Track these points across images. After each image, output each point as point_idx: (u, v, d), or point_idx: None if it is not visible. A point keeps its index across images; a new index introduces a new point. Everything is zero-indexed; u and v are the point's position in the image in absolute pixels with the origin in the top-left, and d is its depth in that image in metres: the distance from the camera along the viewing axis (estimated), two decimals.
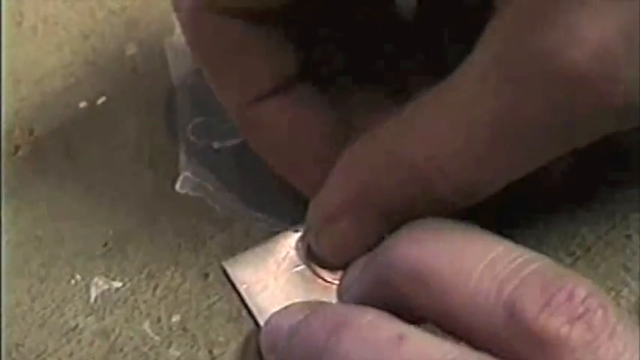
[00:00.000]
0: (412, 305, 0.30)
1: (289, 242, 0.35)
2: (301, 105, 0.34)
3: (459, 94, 0.29)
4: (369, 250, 0.33)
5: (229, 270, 0.35)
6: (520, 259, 0.28)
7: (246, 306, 0.34)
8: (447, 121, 0.30)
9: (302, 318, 0.30)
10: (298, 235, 0.36)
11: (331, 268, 0.35)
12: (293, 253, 0.35)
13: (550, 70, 0.27)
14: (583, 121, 0.28)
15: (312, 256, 0.35)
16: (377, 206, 0.32)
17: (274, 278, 0.35)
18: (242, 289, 0.35)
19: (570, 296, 0.27)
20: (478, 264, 0.28)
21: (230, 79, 0.34)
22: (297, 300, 0.34)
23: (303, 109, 0.34)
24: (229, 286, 0.35)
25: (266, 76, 0.33)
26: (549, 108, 0.28)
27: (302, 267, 0.35)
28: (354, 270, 0.33)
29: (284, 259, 0.35)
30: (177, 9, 0.34)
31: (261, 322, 0.34)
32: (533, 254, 0.29)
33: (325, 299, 0.34)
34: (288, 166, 0.35)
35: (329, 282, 0.35)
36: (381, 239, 0.33)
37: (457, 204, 0.31)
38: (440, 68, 0.33)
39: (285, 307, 0.32)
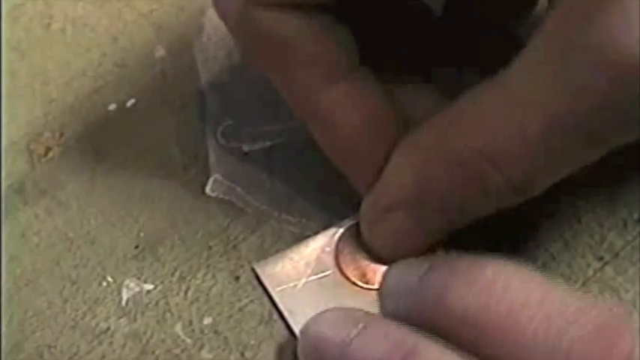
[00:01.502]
0: (468, 348, 0.30)
1: (320, 245, 0.36)
2: (366, 89, 0.34)
3: (512, 85, 0.29)
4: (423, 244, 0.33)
5: (260, 272, 0.35)
6: (574, 308, 0.28)
7: (277, 308, 0.34)
8: (499, 112, 0.29)
9: (355, 333, 0.30)
10: (329, 238, 0.36)
11: (362, 273, 0.35)
12: (324, 256, 0.35)
13: (605, 57, 0.27)
14: (635, 107, 0.27)
15: (342, 260, 0.35)
16: (433, 200, 0.32)
17: (305, 281, 0.35)
18: (273, 291, 0.35)
19: (630, 355, 0.27)
20: (535, 315, 0.28)
21: (297, 71, 0.33)
22: (327, 303, 0.34)
23: (368, 94, 0.34)
24: (260, 289, 0.35)
25: (334, 61, 0.33)
26: (603, 94, 0.27)
27: (333, 270, 0.35)
28: (400, 275, 0.33)
29: (315, 262, 0.35)
30: (223, 13, 0.33)
31: (293, 325, 0.34)
32: (588, 300, 0.29)
33: (356, 304, 0.34)
34: (353, 156, 0.34)
35: (359, 286, 0.35)
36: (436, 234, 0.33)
37: (512, 198, 0.31)
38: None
39: (322, 314, 0.32)
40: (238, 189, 0.37)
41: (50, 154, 0.39)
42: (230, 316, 0.35)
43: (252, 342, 0.34)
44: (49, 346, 0.34)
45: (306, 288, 0.35)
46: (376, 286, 0.35)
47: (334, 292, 0.35)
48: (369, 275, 0.35)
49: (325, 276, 0.35)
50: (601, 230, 0.36)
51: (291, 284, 0.35)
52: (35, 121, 0.40)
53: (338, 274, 0.35)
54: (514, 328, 0.29)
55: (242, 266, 0.36)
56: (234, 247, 0.36)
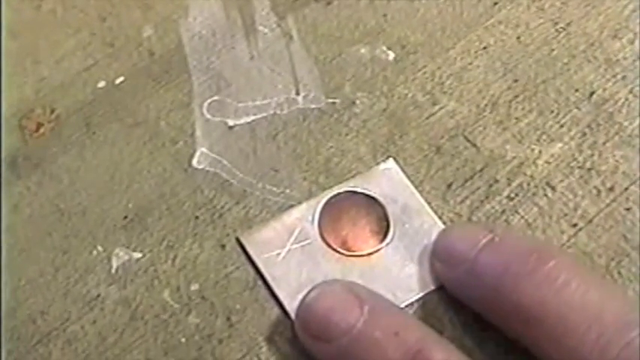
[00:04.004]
0: (513, 332, 0.32)
1: (303, 215, 0.37)
2: None
3: None
4: None
5: (245, 242, 0.36)
6: (627, 318, 0.29)
7: (261, 276, 0.36)
8: None
9: (362, 323, 0.31)
10: (311, 207, 0.37)
11: (343, 241, 0.36)
12: (306, 225, 0.36)
13: None
14: None
15: (324, 229, 0.36)
16: None
17: (288, 249, 0.36)
18: (257, 259, 0.36)
19: None
20: (588, 317, 0.29)
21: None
22: (309, 270, 0.35)
23: None
24: (245, 256, 0.36)
25: None
26: None
27: (315, 239, 0.36)
28: (455, 242, 0.34)
29: (298, 231, 0.36)
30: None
31: (277, 291, 0.35)
32: None
33: (337, 270, 0.36)
34: None
35: (341, 253, 0.36)
36: None
37: None
38: None
39: (321, 291, 0.33)
40: (224, 161, 0.38)
41: (41, 130, 0.39)
42: (216, 283, 0.36)
43: (238, 307, 0.35)
44: (42, 313, 0.35)
45: (289, 256, 0.36)
46: (357, 253, 0.36)
47: (316, 260, 0.36)
48: (350, 243, 0.36)
49: (308, 244, 0.36)
50: (575, 198, 0.37)
51: (275, 252, 0.36)
52: (27, 99, 0.40)
53: (320, 242, 0.36)
54: (565, 326, 0.29)
55: (228, 235, 0.37)
56: (220, 216, 0.37)
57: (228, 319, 0.35)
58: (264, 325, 0.35)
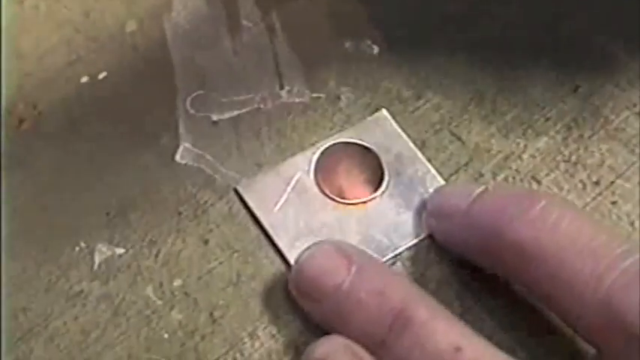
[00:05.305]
0: (510, 273, 0.32)
1: (299, 165, 0.37)
2: None
3: None
4: None
5: (243, 192, 0.37)
6: (620, 251, 0.30)
7: (260, 225, 0.36)
8: None
9: (348, 283, 0.32)
10: (307, 158, 0.38)
11: (339, 189, 0.37)
12: (303, 175, 0.37)
13: None
14: None
15: (320, 178, 0.37)
16: None
17: (286, 198, 0.37)
18: (255, 208, 0.36)
19: None
20: (582, 252, 0.30)
21: None
22: (307, 218, 0.36)
23: None
24: (229, 252, 0.36)
25: None
26: None
27: (311, 188, 0.37)
28: (448, 197, 0.35)
29: (294, 180, 0.37)
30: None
31: (276, 239, 0.36)
32: (634, 243, 0.30)
33: (333, 218, 0.36)
34: None
35: (337, 202, 0.37)
36: None
37: None
38: None
39: (312, 252, 0.34)
40: (207, 156, 0.38)
41: (24, 126, 0.39)
42: (199, 278, 0.35)
43: (221, 302, 0.35)
44: (24, 309, 0.35)
45: (287, 204, 0.36)
46: (353, 201, 0.37)
47: (314, 208, 0.36)
48: (346, 192, 0.37)
49: (304, 193, 0.37)
50: (560, 192, 0.37)
51: (273, 201, 0.37)
52: (9, 94, 0.40)
53: (316, 191, 0.37)
54: (561, 261, 0.30)
55: (211, 230, 0.36)
56: (203, 212, 0.37)
57: (211, 314, 0.35)
58: (247, 320, 0.35)
